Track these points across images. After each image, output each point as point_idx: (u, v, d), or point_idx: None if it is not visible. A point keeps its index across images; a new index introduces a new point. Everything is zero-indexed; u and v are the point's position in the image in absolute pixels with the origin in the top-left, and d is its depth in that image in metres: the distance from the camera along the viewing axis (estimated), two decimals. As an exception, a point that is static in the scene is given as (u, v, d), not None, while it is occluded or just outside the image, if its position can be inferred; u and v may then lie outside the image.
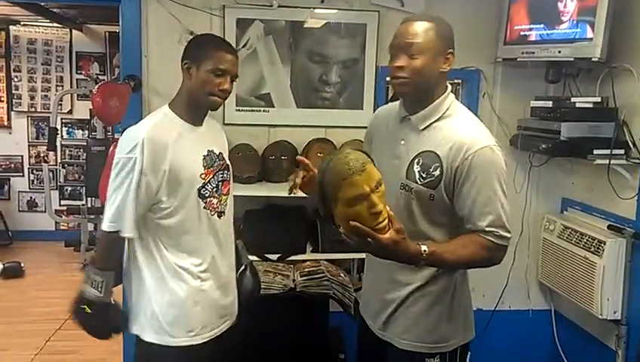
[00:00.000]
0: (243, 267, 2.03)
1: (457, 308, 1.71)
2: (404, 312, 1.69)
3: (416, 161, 1.61)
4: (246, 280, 2.03)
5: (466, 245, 1.56)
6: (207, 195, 1.79)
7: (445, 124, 1.61)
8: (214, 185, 1.82)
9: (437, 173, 1.57)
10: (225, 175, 1.88)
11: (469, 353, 1.80)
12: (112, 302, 1.82)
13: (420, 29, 1.57)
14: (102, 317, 1.79)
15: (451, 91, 1.68)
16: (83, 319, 1.79)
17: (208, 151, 1.83)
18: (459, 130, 1.58)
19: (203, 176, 1.78)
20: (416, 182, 1.60)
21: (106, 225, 1.72)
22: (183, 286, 1.77)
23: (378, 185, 1.42)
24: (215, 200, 1.82)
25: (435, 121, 1.62)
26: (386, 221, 1.42)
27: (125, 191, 1.67)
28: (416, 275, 1.65)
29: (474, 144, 1.55)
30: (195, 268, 1.79)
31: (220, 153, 1.88)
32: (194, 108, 1.81)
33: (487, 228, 1.54)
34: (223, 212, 1.86)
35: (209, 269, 1.81)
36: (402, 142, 1.66)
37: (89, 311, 1.76)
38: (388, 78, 1.70)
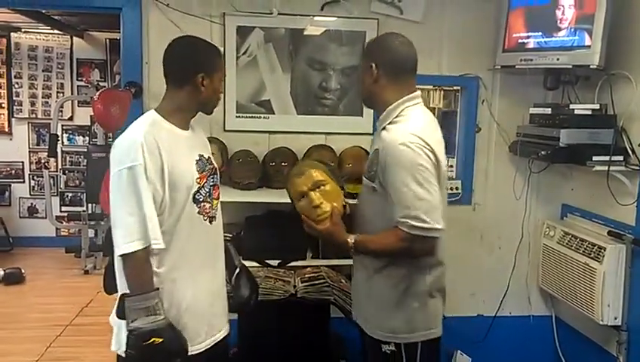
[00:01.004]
0: (238, 270, 1.98)
1: (411, 302, 1.81)
2: (365, 301, 1.90)
3: (370, 157, 1.87)
4: (242, 283, 1.97)
5: (387, 236, 1.74)
6: (200, 200, 1.76)
7: (390, 126, 1.79)
8: (207, 190, 1.79)
9: (375, 168, 1.78)
10: (215, 179, 1.86)
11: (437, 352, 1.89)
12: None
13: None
14: (172, 341, 1.62)
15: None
16: (151, 354, 1.59)
17: (199, 155, 1.80)
18: (393, 130, 1.77)
19: (198, 180, 1.76)
20: (364, 176, 1.86)
21: (131, 246, 1.58)
22: (171, 298, 1.70)
23: (318, 186, 1.88)
24: (208, 205, 1.79)
25: (388, 123, 1.80)
26: (328, 214, 1.84)
27: (140, 202, 1.59)
28: (368, 269, 1.86)
29: (390, 142, 1.73)
30: (182, 275, 1.72)
31: (208, 157, 1.86)
32: (189, 115, 1.79)
33: (400, 219, 1.68)
34: (214, 217, 1.83)
35: (198, 277, 1.76)
36: (371, 144, 1.95)
37: (159, 340, 1.58)
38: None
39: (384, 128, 1.80)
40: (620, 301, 2.57)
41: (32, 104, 5.79)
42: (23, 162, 5.83)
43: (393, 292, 1.81)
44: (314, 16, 2.91)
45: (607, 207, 2.69)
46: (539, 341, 3.18)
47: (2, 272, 4.74)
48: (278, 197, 2.69)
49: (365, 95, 1.90)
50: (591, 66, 2.52)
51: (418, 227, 1.65)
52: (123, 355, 1.65)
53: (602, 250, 2.58)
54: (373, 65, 1.81)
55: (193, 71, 1.73)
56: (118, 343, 1.70)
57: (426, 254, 1.76)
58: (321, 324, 2.62)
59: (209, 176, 1.82)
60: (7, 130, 5.77)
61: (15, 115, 5.77)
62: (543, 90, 2.96)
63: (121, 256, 1.61)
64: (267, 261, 2.69)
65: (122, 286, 1.68)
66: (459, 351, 3.06)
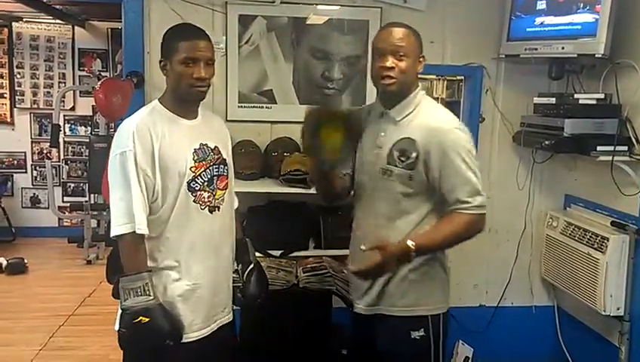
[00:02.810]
0: (251, 266, 1.98)
1: (439, 276, 1.91)
2: (394, 284, 1.85)
3: (395, 147, 1.82)
4: (253, 280, 1.96)
5: (451, 224, 1.77)
6: (197, 189, 1.76)
7: (418, 114, 1.84)
8: (206, 179, 1.79)
9: (414, 155, 1.78)
10: (221, 169, 1.85)
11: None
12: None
13: (404, 35, 1.80)
14: (161, 322, 1.65)
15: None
16: (141, 334, 1.65)
17: (201, 144, 1.80)
18: (429, 117, 1.82)
19: (193, 168, 1.76)
20: (396, 166, 1.81)
21: (119, 229, 1.65)
22: (165, 284, 1.73)
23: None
24: (206, 194, 1.78)
25: (410, 113, 1.84)
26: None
27: (129, 187, 1.64)
28: None
29: (443, 126, 1.79)
30: (178, 264, 1.74)
31: (215, 147, 1.84)
32: (180, 102, 1.78)
33: (467, 199, 1.74)
34: (217, 207, 1.82)
35: (195, 266, 1.76)
36: (382, 133, 1.87)
37: (146, 320, 1.63)
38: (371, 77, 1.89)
39: (405, 117, 1.83)
40: (622, 291, 2.57)
41: (34, 94, 5.78)
42: (25, 152, 5.83)
43: (435, 267, 1.88)
44: (317, 4, 2.89)
45: (611, 198, 2.68)
46: (541, 331, 3.19)
47: (5, 262, 4.76)
48: (281, 187, 2.70)
49: (406, 86, 1.83)
50: (596, 55, 2.50)
51: (482, 205, 1.76)
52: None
53: (605, 241, 2.57)
54: (423, 55, 1.86)
55: (161, 59, 1.77)
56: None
57: (481, 231, 1.81)
58: (322, 314, 2.63)
59: (211, 166, 1.81)
60: (9, 120, 5.77)
61: (17, 105, 5.77)
62: (548, 79, 2.94)
63: (113, 237, 1.67)
64: (269, 251, 2.69)
65: None
66: (461, 341, 3.07)
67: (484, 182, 3.00)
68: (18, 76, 5.74)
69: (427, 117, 1.82)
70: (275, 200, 2.86)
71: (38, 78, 5.77)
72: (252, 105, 2.93)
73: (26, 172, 5.85)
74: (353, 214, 2.00)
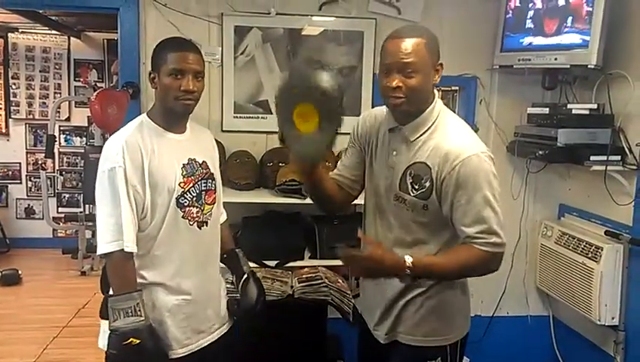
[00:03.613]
0: (245, 276, 1.96)
1: (459, 302, 1.77)
2: (410, 312, 1.72)
3: (409, 172, 1.63)
4: (249, 289, 1.94)
5: (458, 255, 1.59)
6: (185, 204, 1.74)
7: (435, 133, 1.63)
8: (195, 194, 1.77)
9: (428, 184, 1.59)
10: (209, 184, 1.82)
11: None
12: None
13: (412, 47, 1.56)
14: (152, 344, 1.63)
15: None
16: (131, 356, 1.61)
17: (189, 159, 1.78)
18: (447, 139, 1.60)
19: (182, 184, 1.73)
20: (409, 194, 1.63)
21: (108, 247, 1.62)
22: (154, 300, 1.72)
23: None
24: (195, 210, 1.76)
25: (425, 132, 1.63)
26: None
27: (118, 203, 1.61)
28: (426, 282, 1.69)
29: (460, 153, 1.56)
30: (166, 280, 1.73)
31: (203, 162, 1.82)
32: (168, 115, 1.76)
33: (478, 235, 1.54)
34: (205, 222, 1.80)
35: (184, 282, 1.75)
36: (394, 153, 1.68)
37: (137, 341, 1.59)
38: (381, 94, 1.67)
39: (420, 137, 1.63)
40: (617, 301, 2.58)
41: (30, 105, 5.77)
42: (20, 163, 5.81)
43: (456, 295, 1.75)
44: (312, 16, 2.91)
45: (605, 207, 2.69)
46: (536, 341, 3.18)
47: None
48: (276, 197, 2.70)
49: (419, 103, 1.62)
50: (588, 66, 2.53)
51: (498, 244, 1.55)
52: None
53: (599, 250, 2.58)
54: (440, 62, 1.64)
55: (150, 71, 1.75)
56: (104, 340, 1.72)
57: (495, 270, 1.61)
58: (318, 324, 2.62)
59: (200, 181, 1.79)
60: (4, 130, 5.75)
61: (12, 116, 5.76)
62: (541, 89, 2.96)
63: (100, 255, 1.65)
64: (264, 261, 2.68)
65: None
66: (457, 352, 3.06)
67: None
68: (14, 87, 5.74)
69: (444, 139, 1.60)
70: (271, 210, 2.86)
71: (33, 89, 5.76)
72: (248, 115, 2.94)
73: (20, 183, 5.83)
74: (362, 233, 1.82)
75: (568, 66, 2.63)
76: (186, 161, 1.76)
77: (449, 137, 1.60)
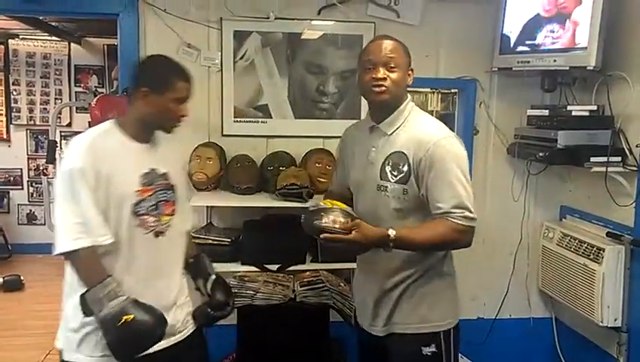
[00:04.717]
0: (213, 278, 1.96)
1: (448, 291, 1.91)
2: (404, 301, 1.85)
3: (387, 162, 1.81)
4: (218, 290, 1.95)
5: (435, 228, 1.73)
6: (141, 213, 1.74)
7: (408, 126, 1.82)
8: (152, 204, 1.77)
9: (405, 168, 1.77)
10: (168, 195, 1.83)
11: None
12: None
13: (393, 46, 1.80)
14: (146, 313, 1.65)
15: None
16: (131, 334, 1.62)
17: (150, 169, 1.78)
18: (418, 128, 1.81)
19: (139, 192, 1.74)
20: (390, 181, 1.79)
21: (72, 245, 1.62)
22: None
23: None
24: (151, 219, 1.77)
25: (400, 125, 1.83)
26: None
27: (79, 201, 1.63)
28: (404, 270, 1.84)
29: (432, 137, 1.76)
30: (128, 287, 1.70)
31: (165, 173, 1.83)
32: (144, 129, 1.79)
33: (452, 210, 1.70)
34: (163, 232, 1.80)
35: (136, 287, 1.72)
36: (373, 148, 1.86)
37: (130, 317, 1.61)
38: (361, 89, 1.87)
39: (396, 130, 1.82)
40: (619, 302, 2.57)
41: (30, 110, 5.79)
42: (21, 169, 5.82)
43: (444, 282, 1.88)
44: (311, 20, 2.92)
45: (606, 208, 2.69)
46: (539, 343, 3.18)
47: (1, 279, 4.73)
48: (277, 201, 2.70)
49: (397, 98, 1.82)
50: (587, 68, 2.53)
51: (471, 218, 1.72)
52: (65, 354, 1.73)
53: (601, 251, 2.58)
54: (412, 67, 1.85)
55: (138, 84, 1.76)
56: (60, 339, 1.76)
57: (467, 245, 1.77)
58: (320, 328, 2.62)
59: (159, 191, 1.79)
60: (5, 136, 5.77)
61: (13, 122, 5.77)
62: (541, 91, 2.96)
63: (64, 253, 1.64)
64: (266, 265, 2.69)
65: (71, 289, 1.72)
66: (459, 354, 3.05)
67: (480, 194, 3.08)
68: (14, 93, 5.75)
69: (417, 128, 1.80)
70: (272, 214, 2.86)
71: (34, 95, 5.78)
72: (247, 119, 2.94)
73: (22, 188, 5.84)
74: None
75: (567, 68, 2.63)
76: (146, 170, 1.77)
77: (420, 126, 1.81)
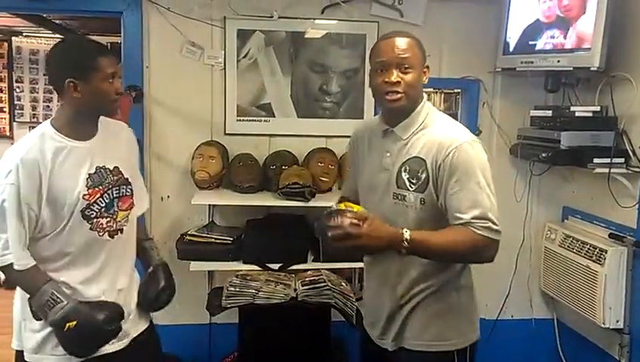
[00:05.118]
0: (152, 269, 1.90)
1: (465, 306, 1.74)
2: (416, 316, 1.70)
3: (404, 168, 1.65)
4: (155, 279, 1.88)
5: (455, 235, 1.55)
6: (92, 216, 1.68)
7: (425, 130, 1.66)
8: (103, 205, 1.70)
9: (424, 176, 1.61)
10: (122, 190, 1.76)
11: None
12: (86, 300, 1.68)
13: (407, 44, 1.62)
14: (86, 313, 1.63)
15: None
16: (79, 338, 1.63)
17: (97, 168, 1.70)
18: (438, 132, 1.63)
19: (86, 196, 1.66)
20: (408, 189, 1.63)
21: (5, 259, 1.60)
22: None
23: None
24: (105, 220, 1.71)
25: (416, 129, 1.66)
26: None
27: (8, 221, 1.57)
28: (420, 283, 1.68)
29: (453, 141, 1.58)
30: (80, 289, 1.70)
31: (115, 168, 1.75)
32: (83, 123, 1.70)
33: (473, 221, 1.53)
34: (120, 229, 1.76)
35: (94, 289, 1.71)
36: (388, 154, 1.70)
37: (73, 323, 1.61)
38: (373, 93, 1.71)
39: (412, 135, 1.65)
40: (621, 304, 2.57)
41: (34, 108, 5.79)
42: (24, 166, 5.83)
43: (461, 297, 1.73)
44: (314, 19, 2.92)
45: (609, 210, 2.68)
46: (541, 344, 3.17)
47: (3, 276, 4.74)
48: (279, 200, 2.70)
49: (414, 102, 1.66)
50: (591, 68, 2.52)
51: (494, 230, 1.55)
52: (24, 353, 1.71)
53: (604, 253, 2.57)
54: (427, 65, 1.69)
55: (62, 78, 1.63)
56: (19, 340, 1.74)
57: (490, 259, 1.59)
58: (321, 328, 2.61)
59: (110, 189, 1.73)
60: (8, 133, 5.77)
61: (16, 119, 5.77)
62: (544, 92, 2.96)
63: None
64: (268, 264, 2.68)
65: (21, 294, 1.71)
66: (460, 355, 3.05)
67: None
68: (17, 90, 5.75)
69: (436, 131, 1.63)
70: (274, 213, 2.87)
71: (37, 92, 5.78)
72: (250, 118, 2.94)
73: None
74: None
75: (571, 69, 2.62)
76: (93, 171, 1.70)
77: (440, 130, 1.64)
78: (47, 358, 1.70)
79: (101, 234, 1.72)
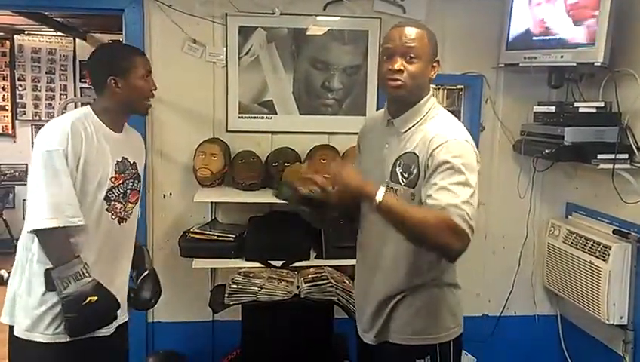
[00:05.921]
0: (146, 273, 2.05)
1: (449, 302, 1.75)
2: (400, 312, 1.73)
3: (398, 163, 1.65)
4: (146, 286, 2.04)
5: (427, 212, 1.50)
6: (112, 198, 1.84)
7: (424, 125, 1.65)
8: (122, 191, 1.87)
9: (415, 171, 1.61)
10: (135, 184, 1.94)
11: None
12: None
13: (416, 34, 1.61)
14: (108, 296, 1.78)
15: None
16: (92, 313, 1.74)
17: (122, 157, 1.89)
18: (434, 128, 1.62)
19: (113, 179, 1.84)
20: (400, 183, 1.63)
21: (47, 223, 1.68)
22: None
23: None
24: (119, 206, 1.87)
25: (415, 124, 1.66)
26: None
27: (60, 183, 1.69)
28: (406, 282, 1.71)
29: (445, 137, 1.57)
30: (83, 269, 1.76)
31: (133, 162, 1.94)
32: (119, 117, 1.89)
33: (449, 207, 1.47)
34: (125, 219, 1.91)
35: (95, 269, 1.79)
36: (387, 145, 1.71)
37: (95, 298, 1.72)
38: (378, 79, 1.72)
39: (410, 129, 1.65)
40: (625, 300, 2.56)
41: (36, 106, 5.80)
42: (26, 164, 5.82)
43: (443, 293, 1.74)
44: (316, 15, 2.91)
45: (613, 206, 2.67)
46: (544, 340, 3.17)
47: (6, 274, 4.75)
48: (281, 197, 2.69)
49: (415, 93, 1.64)
50: (595, 64, 2.51)
51: (469, 223, 1.47)
52: (16, 330, 1.78)
53: (607, 249, 2.56)
54: (437, 59, 1.67)
55: (104, 76, 1.83)
56: (11, 315, 1.80)
57: (456, 253, 1.51)
58: (324, 324, 2.61)
59: (128, 180, 1.91)
60: (10, 132, 5.79)
61: (18, 117, 5.79)
62: (547, 88, 2.94)
63: (37, 230, 1.72)
64: (270, 261, 2.68)
65: (24, 267, 1.80)
66: (464, 351, 3.04)
67: (485, 191, 3.07)
68: (20, 88, 5.76)
69: (432, 128, 1.61)
70: (276, 210, 2.86)
71: (39, 90, 5.79)
72: (252, 115, 2.94)
73: (27, 184, 5.85)
74: (358, 229, 1.86)
75: (575, 64, 2.61)
76: (119, 159, 1.88)
77: (436, 127, 1.63)
78: (38, 336, 1.76)
79: (113, 217, 1.86)
